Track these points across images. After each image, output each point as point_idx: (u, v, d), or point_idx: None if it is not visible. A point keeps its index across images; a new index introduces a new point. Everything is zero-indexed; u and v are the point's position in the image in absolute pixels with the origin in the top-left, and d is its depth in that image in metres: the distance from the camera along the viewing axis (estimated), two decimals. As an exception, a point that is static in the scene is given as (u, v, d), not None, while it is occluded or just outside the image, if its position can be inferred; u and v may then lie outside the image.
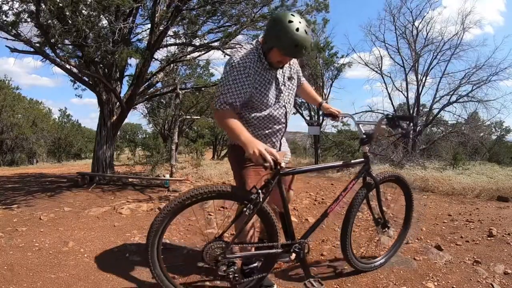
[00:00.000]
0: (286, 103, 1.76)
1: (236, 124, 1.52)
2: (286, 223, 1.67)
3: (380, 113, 11.12)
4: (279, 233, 1.63)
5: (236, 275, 1.54)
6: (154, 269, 1.53)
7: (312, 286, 1.69)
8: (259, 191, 1.50)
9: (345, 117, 1.99)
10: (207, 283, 1.87)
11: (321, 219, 1.79)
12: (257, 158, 1.40)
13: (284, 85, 1.76)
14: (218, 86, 1.60)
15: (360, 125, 1.88)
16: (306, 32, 1.46)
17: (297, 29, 1.44)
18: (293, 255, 1.71)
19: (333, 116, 1.98)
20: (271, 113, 1.71)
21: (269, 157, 1.40)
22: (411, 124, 1.85)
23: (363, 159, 1.84)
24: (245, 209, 1.49)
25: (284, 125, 1.79)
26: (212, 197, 1.51)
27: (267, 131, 1.74)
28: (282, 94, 1.74)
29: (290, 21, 1.45)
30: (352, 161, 1.92)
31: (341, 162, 1.89)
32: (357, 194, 1.84)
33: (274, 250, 1.63)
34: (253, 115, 1.69)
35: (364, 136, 1.80)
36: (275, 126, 1.75)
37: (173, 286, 1.59)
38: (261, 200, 1.49)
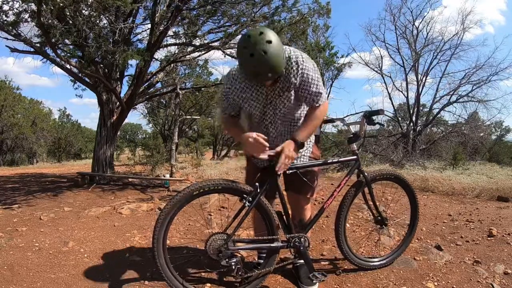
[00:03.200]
0: (269, 123, 1.70)
1: (233, 129, 1.74)
2: (284, 219, 1.73)
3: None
4: (278, 227, 1.69)
5: (238, 266, 1.59)
6: (158, 259, 1.56)
7: (316, 279, 1.72)
8: (257, 185, 1.59)
9: (337, 120, 2.03)
10: (207, 283, 1.87)
11: (319, 214, 1.83)
12: (252, 152, 1.57)
13: (271, 104, 1.65)
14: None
15: (350, 126, 1.97)
16: (265, 53, 1.31)
17: (252, 55, 1.32)
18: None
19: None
20: (260, 127, 1.75)
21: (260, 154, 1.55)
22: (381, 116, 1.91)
23: (353, 157, 1.89)
24: (244, 201, 1.59)
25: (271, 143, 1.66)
26: (218, 190, 1.61)
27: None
28: (266, 114, 1.69)
29: (245, 47, 1.34)
30: (342, 158, 1.99)
31: (332, 159, 1.94)
32: (348, 192, 1.90)
33: (275, 244, 1.68)
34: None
35: (351, 135, 1.86)
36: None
37: (175, 278, 1.60)
38: (258, 193, 1.59)
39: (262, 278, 1.71)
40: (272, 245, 1.68)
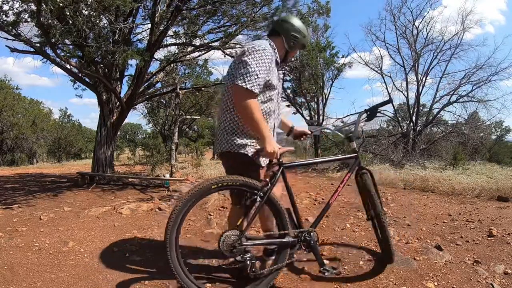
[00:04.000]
0: (278, 98, 1.91)
1: (262, 116, 1.62)
2: (292, 214, 1.77)
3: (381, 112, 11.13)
4: (288, 222, 1.72)
5: (253, 261, 1.62)
6: (170, 253, 1.53)
7: (328, 271, 1.76)
8: (267, 180, 1.65)
9: (325, 129, 2.11)
10: (217, 282, 1.87)
11: (326, 208, 1.89)
12: (272, 156, 1.61)
13: (280, 84, 1.91)
14: (250, 66, 1.58)
15: (337, 131, 2.15)
16: None
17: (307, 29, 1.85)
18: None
19: (305, 135, 2.14)
20: (273, 105, 1.82)
21: (278, 155, 1.62)
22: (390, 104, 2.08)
23: (354, 154, 2.00)
24: (256, 197, 1.61)
25: (277, 119, 1.94)
26: (235, 186, 1.63)
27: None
28: (277, 90, 1.86)
29: (303, 24, 1.82)
30: (345, 155, 2.11)
31: (335, 157, 2.05)
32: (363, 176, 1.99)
33: (286, 239, 1.71)
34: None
35: (351, 134, 2.01)
36: (274, 120, 1.88)
37: (186, 276, 1.58)
38: (269, 189, 1.63)
39: (275, 274, 1.72)
40: (283, 240, 1.71)
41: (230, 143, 1.73)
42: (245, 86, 1.56)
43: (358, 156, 1.98)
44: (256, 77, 1.57)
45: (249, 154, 1.71)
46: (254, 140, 1.74)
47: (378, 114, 2.00)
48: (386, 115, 11.55)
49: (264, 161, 1.77)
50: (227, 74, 1.82)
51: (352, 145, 1.99)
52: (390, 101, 1.99)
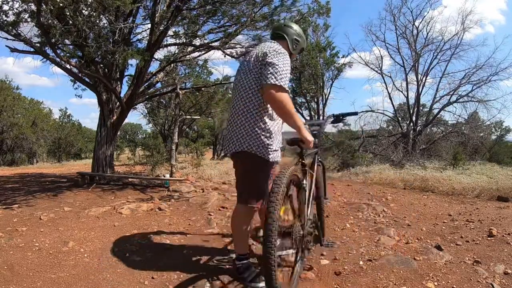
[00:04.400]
0: None
1: (294, 109, 1.73)
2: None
3: (381, 112, 11.16)
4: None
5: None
6: (271, 253, 1.35)
7: (330, 244, 2.09)
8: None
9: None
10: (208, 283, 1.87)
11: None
12: (309, 144, 1.71)
13: None
14: (278, 66, 1.68)
15: (307, 125, 2.29)
16: None
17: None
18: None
19: None
20: None
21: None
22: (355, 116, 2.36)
23: (315, 149, 2.27)
24: (304, 182, 1.77)
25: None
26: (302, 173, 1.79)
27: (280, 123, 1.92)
28: None
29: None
30: (309, 151, 2.24)
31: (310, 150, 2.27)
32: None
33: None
34: None
35: (315, 132, 2.28)
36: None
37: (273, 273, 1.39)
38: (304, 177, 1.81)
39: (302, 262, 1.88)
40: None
41: (247, 143, 1.74)
42: (278, 84, 1.65)
43: (318, 151, 2.27)
44: (285, 76, 1.69)
45: (265, 157, 1.75)
46: (271, 139, 1.77)
47: (342, 121, 2.36)
48: (386, 115, 11.57)
49: (277, 161, 1.85)
50: (244, 75, 1.80)
51: (315, 141, 2.16)
52: (356, 113, 2.35)
